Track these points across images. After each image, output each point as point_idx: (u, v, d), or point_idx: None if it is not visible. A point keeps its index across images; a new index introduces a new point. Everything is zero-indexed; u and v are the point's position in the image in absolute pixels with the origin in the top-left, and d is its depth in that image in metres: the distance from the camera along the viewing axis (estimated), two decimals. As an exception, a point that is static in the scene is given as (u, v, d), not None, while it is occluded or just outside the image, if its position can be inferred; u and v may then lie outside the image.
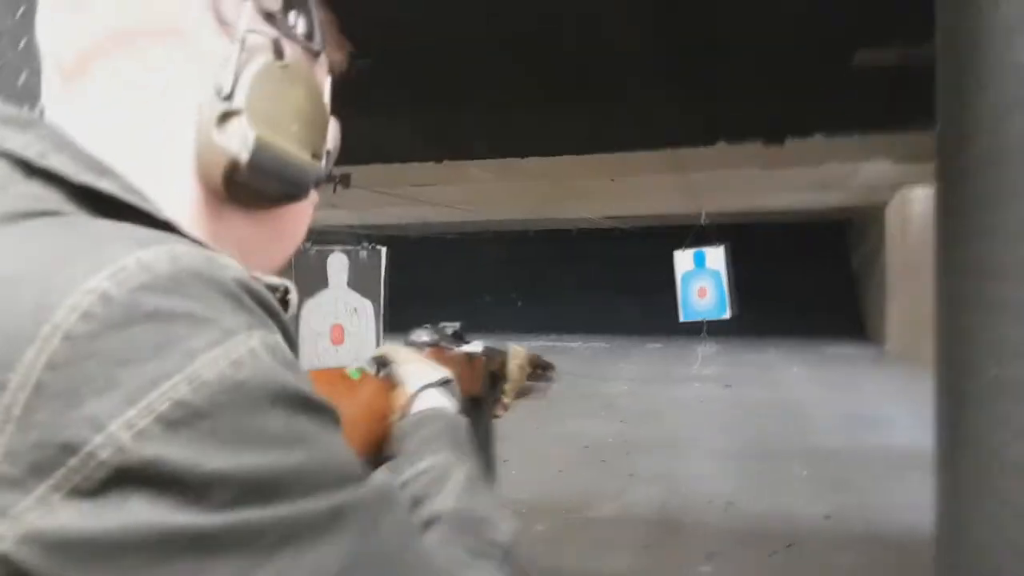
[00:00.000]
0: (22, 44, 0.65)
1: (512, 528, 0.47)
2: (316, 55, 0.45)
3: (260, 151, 0.39)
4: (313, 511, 0.31)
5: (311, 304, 3.23)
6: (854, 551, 3.42)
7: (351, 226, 8.29)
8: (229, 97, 0.39)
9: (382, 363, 0.70)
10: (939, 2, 0.95)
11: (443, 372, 0.68)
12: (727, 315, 5.82)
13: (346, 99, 0.52)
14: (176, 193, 0.40)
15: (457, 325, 0.82)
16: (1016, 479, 0.73)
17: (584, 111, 2.95)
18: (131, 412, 0.28)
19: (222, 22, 0.41)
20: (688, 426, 5.97)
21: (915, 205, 8.18)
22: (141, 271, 0.30)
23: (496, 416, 0.85)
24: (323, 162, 0.45)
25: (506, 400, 0.87)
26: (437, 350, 0.76)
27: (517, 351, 0.89)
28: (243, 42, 0.40)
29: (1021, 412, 0.73)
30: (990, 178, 0.79)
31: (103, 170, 0.36)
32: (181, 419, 0.29)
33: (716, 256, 5.85)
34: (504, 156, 3.70)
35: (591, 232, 11.45)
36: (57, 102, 0.41)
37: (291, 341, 0.35)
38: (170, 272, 0.31)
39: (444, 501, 0.48)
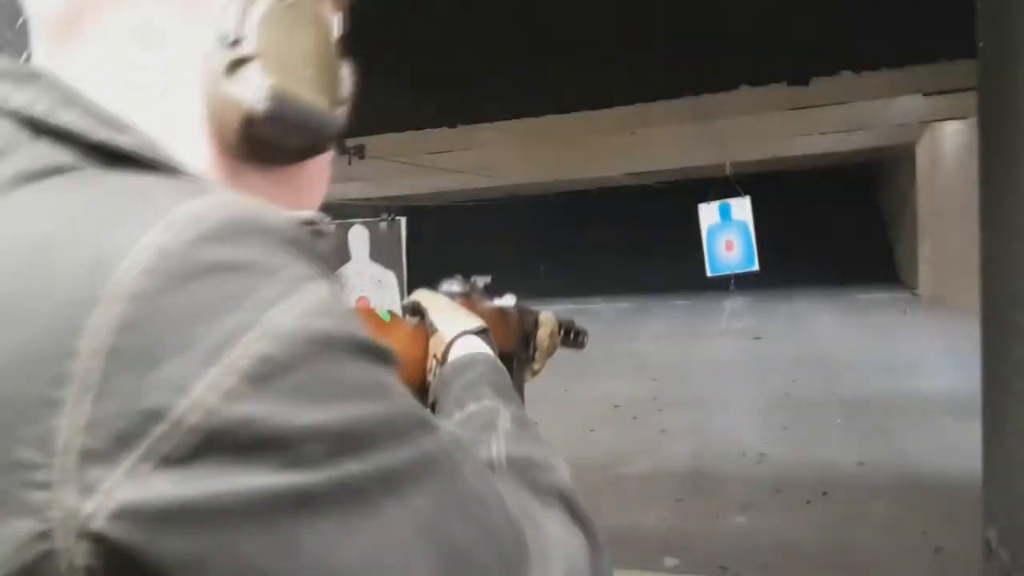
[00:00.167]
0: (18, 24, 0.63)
1: (567, 471, 0.44)
2: None
3: (277, 100, 0.36)
4: (407, 458, 0.30)
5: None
6: (888, 497, 3.41)
7: (368, 199, 8.28)
8: (236, 43, 0.36)
9: (415, 310, 0.67)
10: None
11: (479, 321, 0.65)
12: (755, 267, 5.73)
13: (353, 68, 0.49)
14: (189, 153, 0.36)
15: (488, 278, 0.78)
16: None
17: (599, 63, 2.87)
18: (215, 371, 0.27)
19: None
20: (719, 381, 5.96)
21: (946, 142, 7.89)
22: (195, 221, 0.28)
23: (524, 381, 0.82)
24: (341, 109, 0.42)
25: (536, 367, 0.83)
26: (468, 302, 0.72)
27: (547, 318, 0.85)
28: None
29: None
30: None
31: (121, 126, 0.33)
32: (268, 375, 0.27)
33: (742, 207, 5.73)
34: (518, 116, 3.63)
35: (611, 191, 11.29)
36: (47, 63, 0.38)
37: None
38: (225, 221, 0.29)
39: (497, 447, 0.46)
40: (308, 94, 0.39)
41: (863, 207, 11.42)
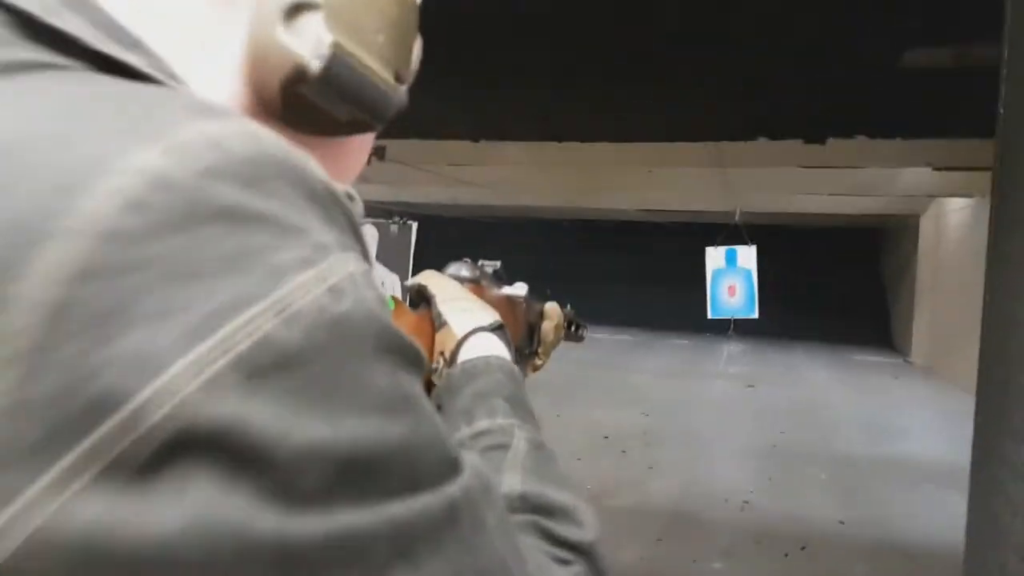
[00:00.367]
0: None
1: (594, 521, 0.38)
2: None
3: (336, 61, 0.30)
4: (426, 512, 0.23)
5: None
6: (867, 559, 3.39)
7: (383, 202, 8.33)
8: None
9: (419, 295, 0.59)
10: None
11: (494, 314, 0.56)
12: (755, 314, 5.79)
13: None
14: (215, 96, 0.30)
15: (498, 264, 0.70)
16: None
17: (626, 98, 2.92)
18: (200, 348, 0.19)
19: None
20: (710, 423, 5.94)
21: (950, 217, 7.98)
22: (210, 148, 0.21)
23: (525, 376, 0.74)
24: (403, 88, 0.35)
25: (539, 362, 0.75)
26: (478, 288, 0.64)
27: (553, 310, 0.77)
28: None
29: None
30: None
31: (133, 42, 0.26)
32: (269, 365, 0.20)
33: (748, 255, 5.80)
34: (542, 139, 3.69)
35: (623, 225, 11.38)
36: None
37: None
38: (250, 155, 0.22)
39: (511, 480, 0.39)
40: (373, 62, 0.32)
41: (865, 270, 11.52)
